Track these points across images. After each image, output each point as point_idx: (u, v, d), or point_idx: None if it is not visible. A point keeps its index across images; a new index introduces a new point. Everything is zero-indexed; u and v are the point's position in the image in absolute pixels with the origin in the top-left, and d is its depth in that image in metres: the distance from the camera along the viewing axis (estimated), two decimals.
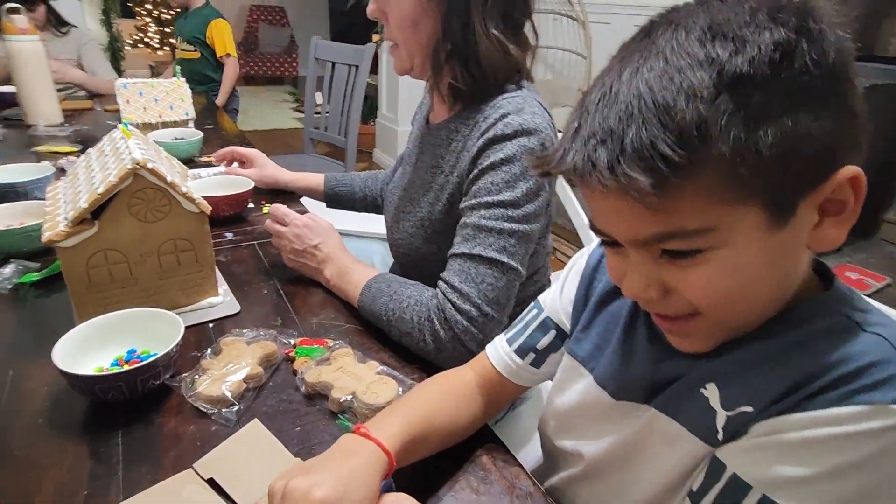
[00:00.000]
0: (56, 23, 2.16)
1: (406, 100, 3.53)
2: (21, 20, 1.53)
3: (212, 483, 0.47)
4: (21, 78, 1.57)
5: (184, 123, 1.46)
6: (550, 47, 3.66)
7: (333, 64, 2.30)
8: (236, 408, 0.56)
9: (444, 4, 0.69)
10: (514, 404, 0.91)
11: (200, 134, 1.41)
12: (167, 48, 6.59)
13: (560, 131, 0.43)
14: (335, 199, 1.11)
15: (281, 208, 0.83)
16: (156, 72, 6.13)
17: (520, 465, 0.53)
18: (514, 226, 0.67)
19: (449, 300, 0.65)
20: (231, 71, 2.64)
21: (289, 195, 1.16)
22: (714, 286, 0.36)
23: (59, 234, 0.61)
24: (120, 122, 1.38)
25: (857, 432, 0.32)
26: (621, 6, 3.08)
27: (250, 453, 0.51)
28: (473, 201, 0.68)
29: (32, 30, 1.55)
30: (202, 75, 2.64)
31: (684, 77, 0.31)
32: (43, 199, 0.74)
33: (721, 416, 0.39)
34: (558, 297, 0.56)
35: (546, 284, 0.88)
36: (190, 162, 1.35)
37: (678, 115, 0.31)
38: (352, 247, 0.84)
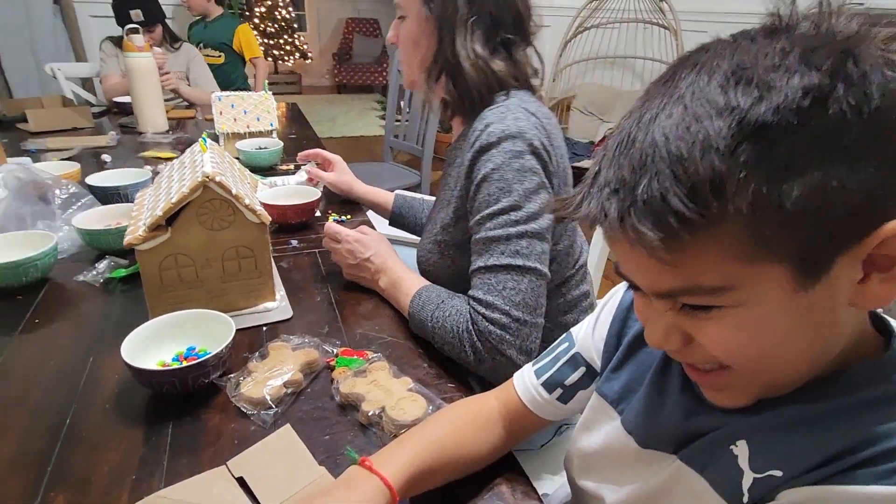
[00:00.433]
0: (170, 40, 2.40)
1: None
2: (139, 39, 1.71)
3: (241, 481, 0.51)
4: (136, 90, 1.77)
5: (268, 133, 1.57)
6: (640, 57, 3.53)
7: None
8: (273, 411, 0.59)
9: (437, 26, 0.77)
10: (560, 429, 0.89)
11: (281, 144, 1.50)
12: (270, 59, 7.10)
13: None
14: (399, 219, 1.15)
15: (332, 227, 0.87)
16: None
17: (538, 499, 0.52)
18: (520, 228, 0.69)
19: (479, 313, 0.68)
20: (262, 71, 2.92)
21: (357, 206, 1.21)
22: (736, 342, 0.34)
23: (138, 238, 0.68)
24: (214, 131, 1.52)
25: None
26: (716, 14, 2.91)
27: (279, 457, 0.54)
28: (478, 216, 0.72)
29: (147, 48, 1.74)
30: (228, 79, 2.84)
31: (701, 126, 0.29)
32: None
33: (748, 477, 0.36)
34: (591, 333, 0.55)
35: (582, 296, 0.87)
36: (271, 170, 1.45)
37: (691, 167, 0.29)
38: (404, 254, 0.87)
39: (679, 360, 0.39)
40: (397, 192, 1.16)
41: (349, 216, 1.16)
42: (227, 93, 1.52)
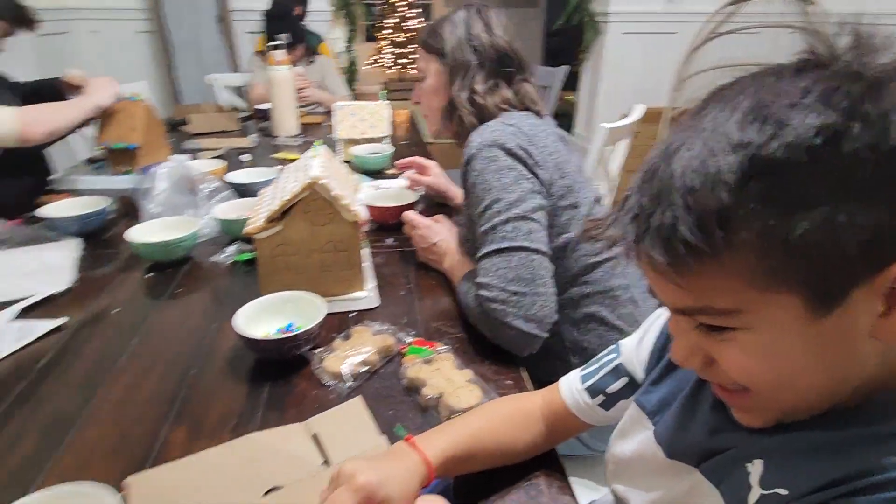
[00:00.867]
0: (308, 54, 2.68)
1: (604, 119, 3.48)
2: (280, 54, 1.95)
3: (315, 439, 0.60)
4: (275, 98, 2.01)
5: (382, 140, 1.71)
6: None
7: None
8: (349, 384, 0.68)
9: (449, 75, 0.95)
10: None
11: (390, 150, 1.63)
12: (397, 67, 7.54)
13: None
14: None
15: (409, 214, 1.02)
16: (386, 88, 7.07)
17: (572, 496, 0.55)
18: (503, 216, 0.79)
19: (480, 295, 0.78)
20: None
21: (451, 210, 1.29)
22: (752, 366, 0.35)
23: (256, 228, 0.81)
24: (332, 136, 1.69)
25: None
26: (868, 15, 2.59)
27: (348, 423, 0.62)
28: (474, 215, 0.84)
29: (286, 62, 1.97)
30: None
31: (716, 161, 0.31)
32: None
33: (755, 493, 0.37)
34: (636, 345, 0.56)
35: (619, 288, 0.90)
36: (379, 173, 1.58)
37: (701, 199, 0.31)
38: None
39: (706, 379, 0.41)
40: None
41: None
42: (348, 103, 1.69)
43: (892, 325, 0.32)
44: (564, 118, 2.46)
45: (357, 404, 0.65)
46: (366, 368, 0.71)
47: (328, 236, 0.84)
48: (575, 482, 0.59)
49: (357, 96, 2.90)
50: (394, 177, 1.55)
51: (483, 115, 0.92)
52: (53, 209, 1.15)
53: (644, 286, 0.95)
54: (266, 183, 1.32)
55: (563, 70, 2.34)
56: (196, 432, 0.62)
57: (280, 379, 0.71)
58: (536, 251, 0.78)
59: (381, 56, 7.54)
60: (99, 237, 1.14)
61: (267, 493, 0.53)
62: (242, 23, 3.46)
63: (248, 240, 1.08)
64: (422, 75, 1.01)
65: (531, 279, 0.77)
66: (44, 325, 0.81)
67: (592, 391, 0.58)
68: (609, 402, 0.57)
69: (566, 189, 0.86)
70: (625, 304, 0.90)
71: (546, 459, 0.59)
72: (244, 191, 1.31)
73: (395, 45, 7.52)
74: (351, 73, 3.93)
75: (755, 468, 0.38)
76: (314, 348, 0.74)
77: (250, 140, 1.93)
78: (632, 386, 0.56)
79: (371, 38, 7.23)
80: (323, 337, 0.76)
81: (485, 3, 0.97)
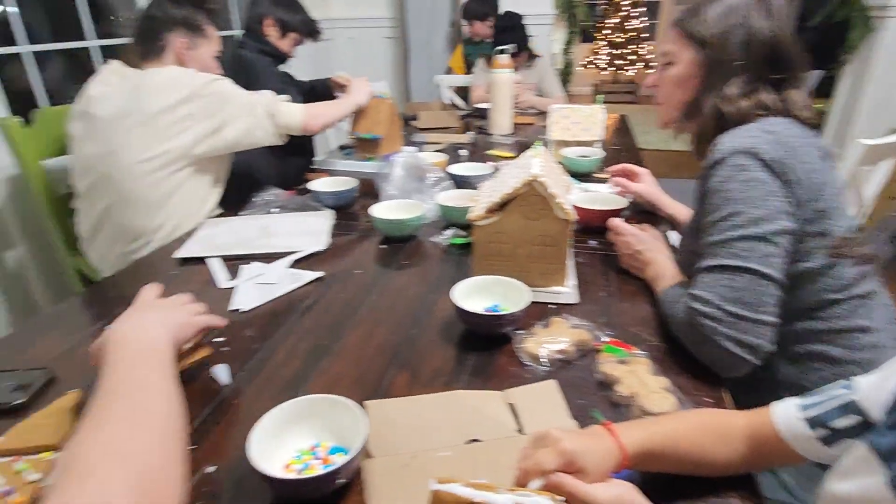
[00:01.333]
0: (529, 58, 2.79)
1: (862, 133, 2.94)
2: (504, 59, 2.08)
3: (511, 408, 0.67)
4: (494, 99, 2.16)
5: (593, 143, 1.72)
6: None
7: None
8: (545, 368, 0.74)
9: (707, 69, 0.86)
10: None
11: (601, 154, 1.64)
12: (612, 68, 7.32)
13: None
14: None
15: (615, 221, 1.02)
16: (598, 90, 6.93)
17: None
18: (741, 231, 0.73)
19: (692, 308, 0.75)
20: None
21: (661, 220, 1.26)
22: None
23: (478, 216, 0.92)
24: (545, 138, 1.75)
25: None
26: None
27: (542, 400, 0.68)
28: (704, 223, 0.79)
29: (510, 65, 2.10)
30: None
31: None
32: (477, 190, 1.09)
33: None
34: (879, 384, 0.51)
35: (857, 329, 0.79)
36: (587, 176, 1.60)
37: None
38: None
39: None
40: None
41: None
42: (564, 105, 1.74)
43: None
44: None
45: (551, 386, 0.70)
46: (562, 357, 0.76)
47: (540, 230, 0.90)
48: None
49: (569, 98, 2.93)
50: (602, 180, 1.55)
51: (733, 122, 0.83)
52: (317, 184, 1.43)
53: (894, 331, 0.82)
54: (482, 177, 1.45)
55: (815, 75, 2.05)
56: (414, 380, 0.74)
57: (484, 351, 0.80)
58: (768, 277, 0.72)
59: (597, 57, 7.40)
60: (347, 210, 1.39)
61: (468, 442, 0.62)
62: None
63: (463, 226, 1.21)
64: (667, 59, 0.92)
65: (755, 305, 0.71)
66: (308, 275, 1.03)
67: (813, 422, 0.54)
68: (832, 437, 0.52)
69: (818, 214, 0.76)
70: (864, 348, 0.79)
71: (742, 482, 0.57)
72: (462, 182, 1.45)
73: (613, 45, 7.30)
74: (565, 75, 3.97)
75: None
76: (516, 330, 0.81)
77: (468, 136, 2.10)
78: (863, 426, 0.51)
79: (587, 38, 7.13)
80: (524, 321, 0.83)
81: None
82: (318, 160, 1.84)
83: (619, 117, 2.48)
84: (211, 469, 0.59)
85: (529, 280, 0.92)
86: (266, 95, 1.43)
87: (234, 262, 1.10)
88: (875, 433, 0.49)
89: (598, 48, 7.38)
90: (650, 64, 7.04)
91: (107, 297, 1.02)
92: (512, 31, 2.63)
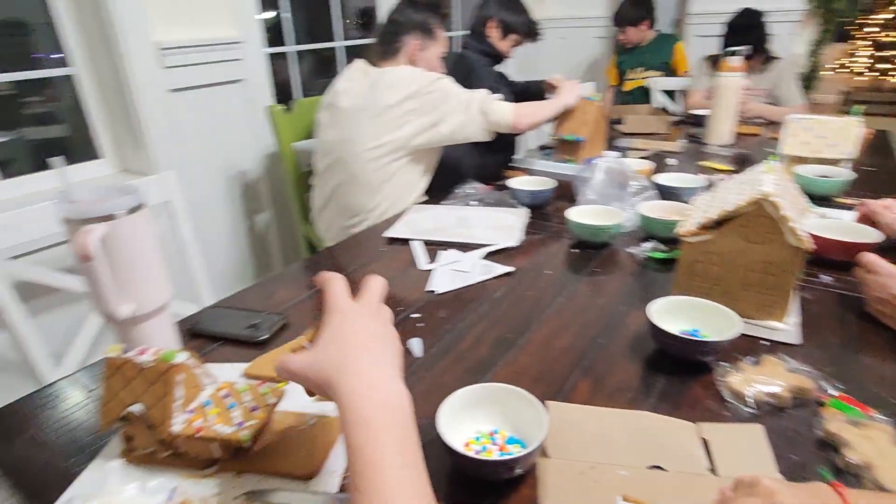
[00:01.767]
0: (765, 61, 2.46)
1: None
2: (736, 61, 1.87)
3: (704, 443, 0.61)
4: (717, 105, 1.96)
5: (837, 162, 1.46)
6: None
7: None
8: (750, 409, 0.66)
9: None
10: None
11: (846, 175, 1.38)
12: (872, 73, 6.09)
13: None
14: None
15: (870, 256, 0.86)
16: (849, 98, 5.82)
17: None
18: None
19: None
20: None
21: None
22: None
23: (688, 231, 0.85)
24: (777, 152, 1.54)
25: None
26: None
27: (743, 445, 0.61)
28: None
29: (740, 69, 1.88)
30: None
31: None
32: (687, 203, 1.01)
33: None
34: None
35: None
36: (825, 199, 1.37)
37: None
38: None
39: None
40: None
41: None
42: (805, 116, 1.50)
43: None
44: None
45: (757, 431, 0.62)
46: (773, 401, 0.67)
47: (762, 255, 0.80)
48: None
49: (810, 108, 2.51)
50: (844, 207, 1.31)
51: None
52: (514, 182, 1.47)
53: None
54: (692, 189, 1.33)
55: None
56: (597, 389, 0.72)
57: (676, 375, 0.74)
58: None
59: (852, 60, 6.22)
60: (541, 210, 1.40)
61: (650, 467, 0.58)
62: (697, 26, 3.43)
63: (664, 240, 1.13)
64: None
65: None
66: (500, 268, 1.07)
67: None
68: None
69: None
70: None
71: None
72: (668, 193, 1.36)
73: (878, 46, 6.06)
74: (809, 81, 3.42)
75: None
76: (718, 360, 0.74)
77: (678, 144, 1.95)
78: None
79: (842, 37, 6.03)
80: (728, 353, 0.75)
81: None
82: (518, 158, 1.88)
83: (876, 133, 2.06)
84: None
85: (740, 309, 0.82)
86: (480, 93, 1.51)
87: (433, 247, 1.19)
88: None
89: (856, 48, 6.19)
90: None
91: (326, 264, 1.18)
92: (748, 31, 2.36)
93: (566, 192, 1.47)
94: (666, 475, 0.57)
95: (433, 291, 1.00)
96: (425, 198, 1.61)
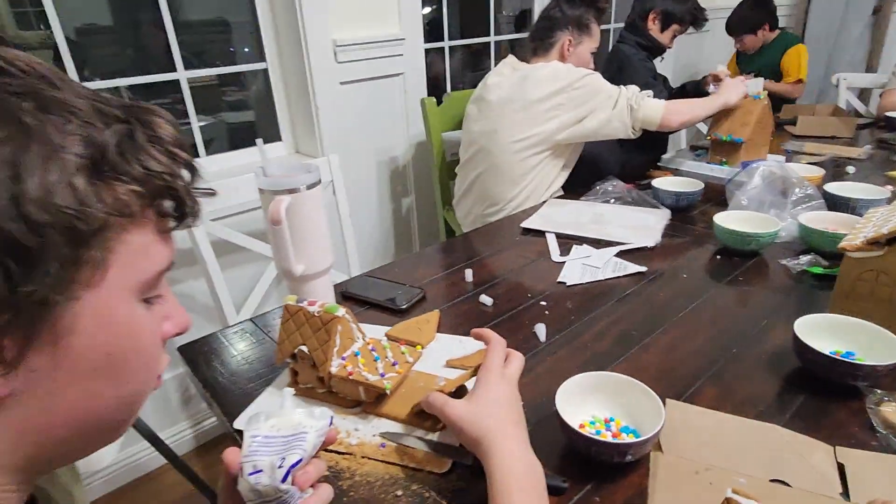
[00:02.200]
0: None
1: None
2: None
3: (840, 468, 0.57)
4: None
5: None
6: None
7: None
8: None
9: None
10: None
11: None
12: None
13: None
14: None
15: None
16: None
17: None
18: None
19: None
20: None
21: None
22: None
23: (853, 245, 0.78)
24: None
25: None
26: None
27: (888, 477, 0.56)
28: None
29: None
30: None
31: None
32: (859, 217, 0.91)
33: None
34: None
35: None
36: None
37: None
38: None
39: None
40: None
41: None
42: None
43: None
44: None
45: None
46: None
47: None
48: None
49: None
50: None
51: None
52: (659, 182, 1.42)
53: None
54: (871, 201, 1.19)
55: None
56: (723, 397, 0.70)
57: (819, 397, 0.69)
58: None
59: None
60: (685, 212, 1.34)
61: (772, 480, 0.56)
62: None
63: (826, 254, 1.03)
64: None
65: None
66: (632, 267, 1.06)
67: None
68: None
69: None
70: None
71: None
72: (839, 203, 1.22)
73: None
74: None
75: None
76: (872, 387, 0.68)
77: (862, 151, 1.71)
78: None
79: None
80: (887, 381, 0.68)
81: None
82: (666, 158, 1.80)
83: None
84: None
85: None
86: (631, 89, 1.48)
87: (566, 241, 1.21)
88: None
89: None
90: None
91: (461, 249, 1.26)
92: None
93: (715, 196, 1.40)
94: (789, 490, 0.55)
95: (563, 283, 1.03)
96: (562, 192, 1.62)
